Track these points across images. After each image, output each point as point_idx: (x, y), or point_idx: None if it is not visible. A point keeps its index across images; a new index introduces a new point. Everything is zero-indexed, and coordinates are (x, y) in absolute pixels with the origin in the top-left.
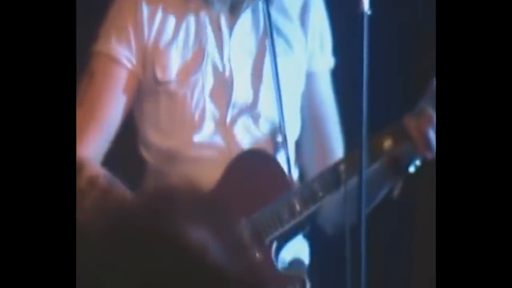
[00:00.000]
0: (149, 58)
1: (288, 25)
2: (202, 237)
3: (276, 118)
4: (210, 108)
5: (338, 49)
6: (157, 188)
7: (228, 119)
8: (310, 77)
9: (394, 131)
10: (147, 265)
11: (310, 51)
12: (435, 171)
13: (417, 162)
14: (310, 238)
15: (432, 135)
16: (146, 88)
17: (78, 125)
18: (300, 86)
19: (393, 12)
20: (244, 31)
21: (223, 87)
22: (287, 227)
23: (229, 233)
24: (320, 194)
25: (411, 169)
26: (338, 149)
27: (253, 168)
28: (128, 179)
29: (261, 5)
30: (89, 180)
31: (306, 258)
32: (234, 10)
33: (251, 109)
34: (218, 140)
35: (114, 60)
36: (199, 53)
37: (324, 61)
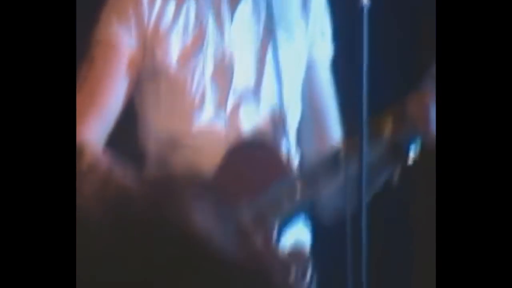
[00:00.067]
0: (149, 42)
1: (289, 12)
2: (204, 224)
3: (276, 104)
4: (211, 92)
5: (338, 35)
6: (156, 176)
7: (229, 104)
8: (310, 64)
9: (394, 113)
10: (148, 253)
11: (311, 39)
12: (435, 156)
13: (417, 145)
14: (311, 224)
15: (432, 115)
16: (146, 74)
17: (79, 110)
18: (300, 73)
19: None
20: (245, 16)
21: (224, 71)
22: (287, 211)
23: (231, 219)
24: (320, 178)
25: (411, 152)
26: (337, 136)
27: (253, 153)
28: (129, 167)
29: None
30: (90, 165)
31: (307, 244)
32: None
33: (252, 94)
34: (219, 124)
35: (114, 46)
36: (200, 37)
37: (325, 48)
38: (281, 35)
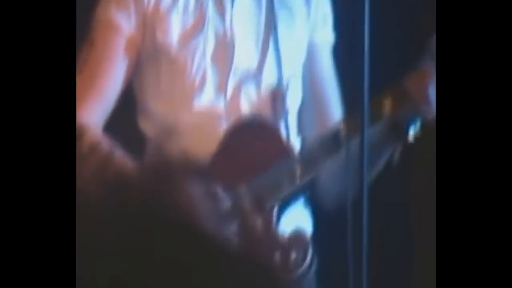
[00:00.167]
0: (149, 23)
1: None
2: (202, 207)
3: (277, 86)
4: (211, 74)
5: (340, 19)
6: (155, 159)
7: (229, 85)
8: (311, 48)
9: (394, 91)
10: (146, 237)
11: (312, 24)
12: (435, 135)
13: (417, 123)
14: (311, 208)
15: (432, 93)
16: (146, 56)
17: (79, 93)
18: (301, 56)
19: None
20: None
21: (225, 52)
22: (287, 192)
23: (230, 201)
24: (320, 158)
25: (411, 131)
26: (338, 118)
27: (253, 134)
28: (128, 151)
29: None
30: (90, 146)
31: (308, 228)
32: None
33: (252, 76)
34: (219, 106)
35: (114, 28)
36: (200, 18)
37: (326, 34)
38: (282, 19)
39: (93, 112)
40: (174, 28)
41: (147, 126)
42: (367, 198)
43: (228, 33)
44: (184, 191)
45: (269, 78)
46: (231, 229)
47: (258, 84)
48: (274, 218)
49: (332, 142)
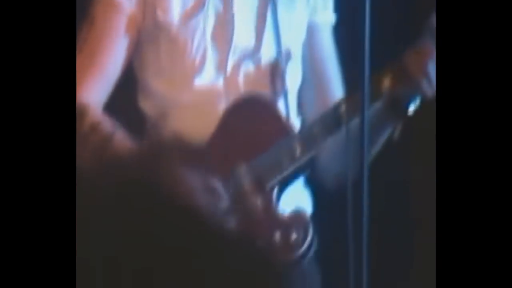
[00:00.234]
0: (149, 1)
1: None
2: (201, 186)
3: (276, 64)
4: (211, 52)
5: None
6: (154, 138)
7: (229, 64)
8: (311, 27)
9: (393, 69)
10: (144, 218)
11: (312, 7)
12: (435, 113)
13: (417, 101)
14: (312, 188)
15: (432, 70)
16: (146, 35)
17: (79, 71)
18: (301, 35)
19: None
20: None
21: (224, 31)
22: (287, 172)
23: (229, 180)
24: (320, 137)
25: (411, 108)
26: (338, 97)
27: (252, 113)
28: (128, 130)
29: None
30: (91, 125)
31: (308, 208)
32: None
33: (252, 54)
34: (219, 84)
35: (115, 6)
36: None
37: (326, 15)
38: (282, 1)
39: (94, 91)
40: (175, 7)
41: (147, 105)
42: (367, 178)
43: (228, 11)
44: (182, 171)
45: (268, 56)
46: (230, 209)
47: (257, 63)
48: (274, 198)
49: (332, 121)
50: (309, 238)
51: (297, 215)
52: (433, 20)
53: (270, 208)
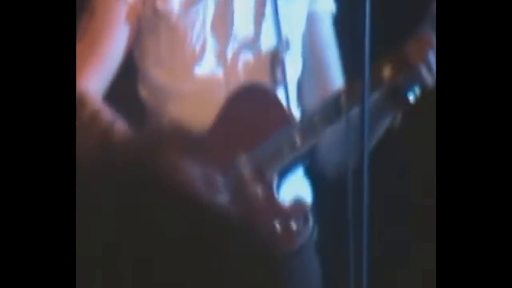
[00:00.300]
0: None
1: None
2: (202, 174)
3: (276, 53)
4: (211, 41)
5: None
6: (155, 127)
7: (229, 53)
8: (311, 15)
9: (394, 58)
10: (145, 205)
11: None
12: (435, 99)
13: (417, 90)
14: (312, 178)
15: (432, 59)
16: (146, 24)
17: (79, 61)
18: (301, 24)
19: None
20: None
21: (224, 20)
22: (287, 160)
23: (230, 169)
24: (320, 126)
25: (411, 97)
26: (339, 86)
27: (252, 102)
28: (129, 119)
29: None
30: (91, 114)
31: (308, 198)
32: None
33: (252, 43)
34: (219, 73)
35: None
36: None
37: (326, 4)
38: None
39: (94, 80)
40: None
41: (147, 94)
42: (367, 166)
43: (228, 0)
44: (182, 159)
45: (268, 45)
46: (230, 198)
47: (257, 52)
48: (274, 187)
49: (332, 109)
50: (309, 227)
51: (297, 204)
52: (433, 8)
53: (270, 197)
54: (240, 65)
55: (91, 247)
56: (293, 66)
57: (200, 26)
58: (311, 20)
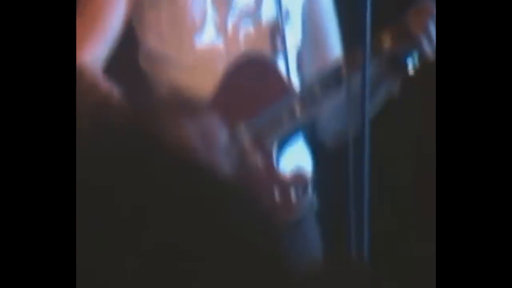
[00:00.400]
0: None
1: None
2: (202, 142)
3: (276, 24)
4: (211, 12)
5: None
6: (156, 97)
7: (229, 23)
8: None
9: (394, 28)
10: (145, 175)
11: None
12: (435, 70)
13: (416, 58)
14: (312, 148)
15: (432, 29)
16: None
17: (79, 33)
18: None
19: None
20: None
21: None
22: (287, 129)
23: (230, 137)
24: (320, 94)
25: (410, 65)
26: (338, 56)
27: (252, 72)
28: (128, 91)
29: None
30: (90, 84)
31: (308, 167)
32: None
33: (252, 14)
34: (219, 44)
35: None
36: None
37: None
38: None
39: (93, 52)
40: None
41: (148, 65)
42: (368, 135)
43: None
44: (182, 125)
45: (268, 16)
46: (230, 166)
47: (257, 22)
48: (274, 157)
49: (332, 79)
50: (308, 197)
51: (297, 174)
52: None
53: (269, 166)
54: (241, 35)
55: (90, 210)
56: (293, 36)
57: None
58: None
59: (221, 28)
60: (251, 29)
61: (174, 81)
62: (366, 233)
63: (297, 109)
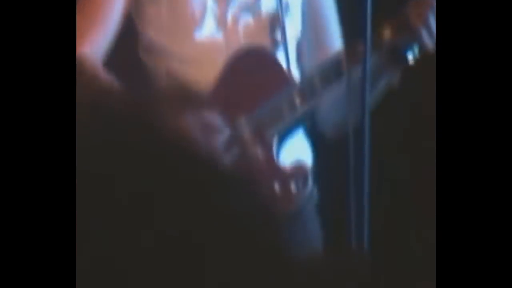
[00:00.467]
0: None
1: None
2: (202, 135)
3: (275, 15)
4: (211, 5)
5: None
6: (156, 89)
7: (229, 16)
8: None
9: (394, 20)
10: (146, 166)
11: None
12: (435, 61)
13: (416, 50)
14: (312, 140)
15: (432, 22)
16: None
17: (78, 24)
18: None
19: None
20: None
21: None
22: (287, 121)
23: (228, 130)
24: (320, 86)
25: (410, 57)
26: (338, 47)
27: (252, 64)
28: (129, 83)
29: None
30: (90, 76)
31: (308, 159)
32: None
33: (251, 6)
34: (219, 37)
35: None
36: None
37: None
38: None
39: (93, 44)
40: None
41: (148, 58)
42: (368, 126)
43: None
44: (182, 116)
45: (268, 7)
46: (230, 157)
47: (257, 14)
48: (274, 149)
49: (332, 70)
50: (308, 189)
51: (297, 166)
52: None
53: (269, 158)
54: (240, 28)
55: (90, 200)
56: (293, 28)
57: None
58: None
59: (221, 20)
60: (251, 21)
61: (174, 73)
62: (366, 224)
63: (297, 101)
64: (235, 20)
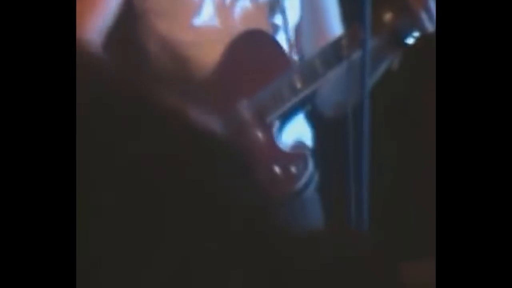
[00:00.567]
0: None
1: None
2: (203, 118)
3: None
4: None
5: None
6: (155, 73)
7: (228, 1)
8: None
9: (395, 4)
10: (147, 143)
11: None
12: (435, 44)
13: (416, 34)
14: (312, 121)
15: (432, 6)
16: None
17: (78, 8)
18: None
19: None
20: None
21: None
22: (288, 104)
23: (229, 115)
24: (321, 69)
25: (410, 41)
26: (337, 30)
27: (253, 48)
28: (128, 66)
29: None
30: (90, 58)
31: (308, 141)
32: None
33: None
34: (217, 23)
35: None
36: None
37: None
38: None
39: (93, 27)
40: None
41: (148, 43)
42: (367, 108)
43: None
44: (183, 100)
45: None
46: (233, 141)
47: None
48: (275, 131)
49: (333, 53)
50: (309, 171)
51: (298, 148)
52: None
53: (270, 140)
54: (238, 13)
55: (91, 192)
56: (292, 12)
57: None
58: None
59: (220, 6)
60: (249, 6)
61: (174, 58)
62: (365, 205)
63: (298, 83)
64: (234, 5)
